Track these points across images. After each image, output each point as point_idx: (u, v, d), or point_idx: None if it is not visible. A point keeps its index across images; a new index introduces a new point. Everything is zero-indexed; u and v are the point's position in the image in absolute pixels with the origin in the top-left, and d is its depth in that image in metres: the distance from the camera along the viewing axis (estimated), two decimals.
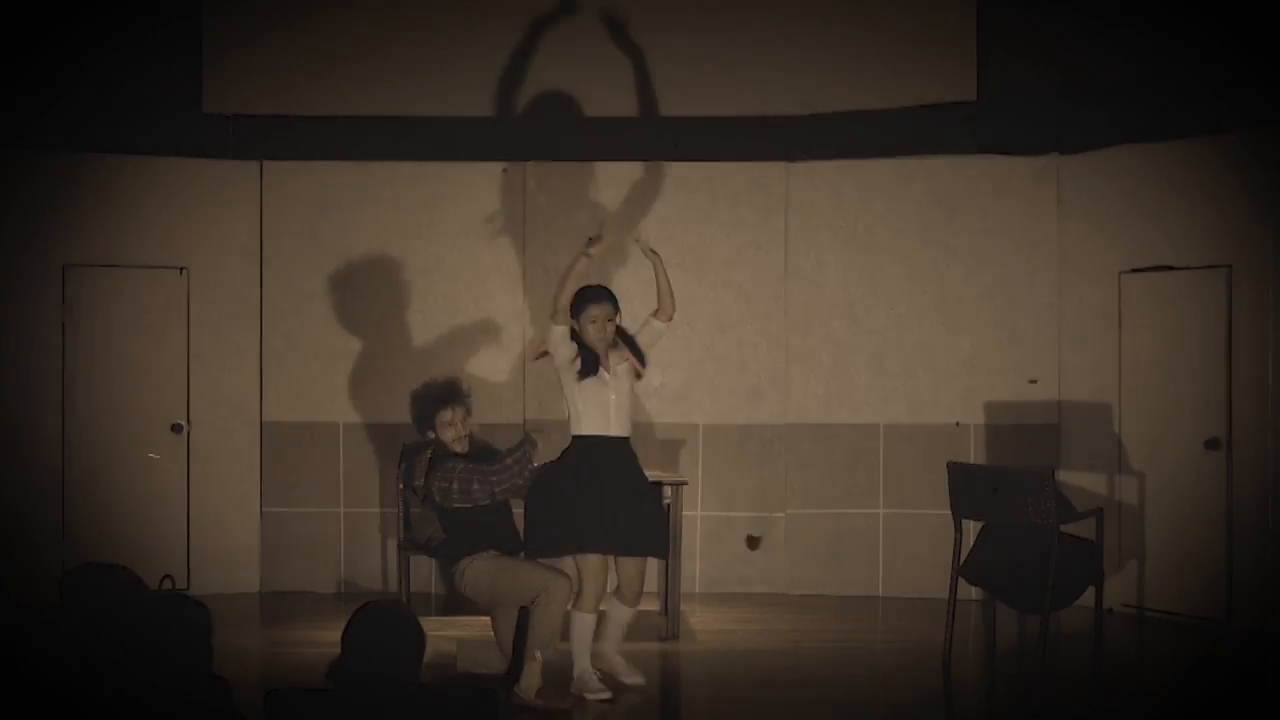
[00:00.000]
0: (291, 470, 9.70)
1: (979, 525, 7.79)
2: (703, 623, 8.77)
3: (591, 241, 7.08)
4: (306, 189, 9.74)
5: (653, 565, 8.80)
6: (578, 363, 7.02)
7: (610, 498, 6.98)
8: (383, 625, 3.79)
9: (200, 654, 3.84)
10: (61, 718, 3.73)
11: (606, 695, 7.03)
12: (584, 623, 7.07)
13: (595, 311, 7.03)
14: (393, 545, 9.41)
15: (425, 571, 9.56)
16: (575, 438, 7.14)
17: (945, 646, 7.74)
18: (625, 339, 7.17)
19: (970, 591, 8.22)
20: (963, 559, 7.74)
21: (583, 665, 7.09)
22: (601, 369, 7.05)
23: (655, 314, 7.25)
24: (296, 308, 9.71)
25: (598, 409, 7.05)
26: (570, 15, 9.94)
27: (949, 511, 7.80)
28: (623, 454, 7.12)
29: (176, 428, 9.53)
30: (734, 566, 9.73)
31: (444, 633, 8.28)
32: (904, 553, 9.55)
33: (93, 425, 9.37)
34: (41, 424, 9.25)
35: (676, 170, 9.79)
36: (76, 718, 3.74)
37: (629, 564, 7.15)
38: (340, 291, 9.73)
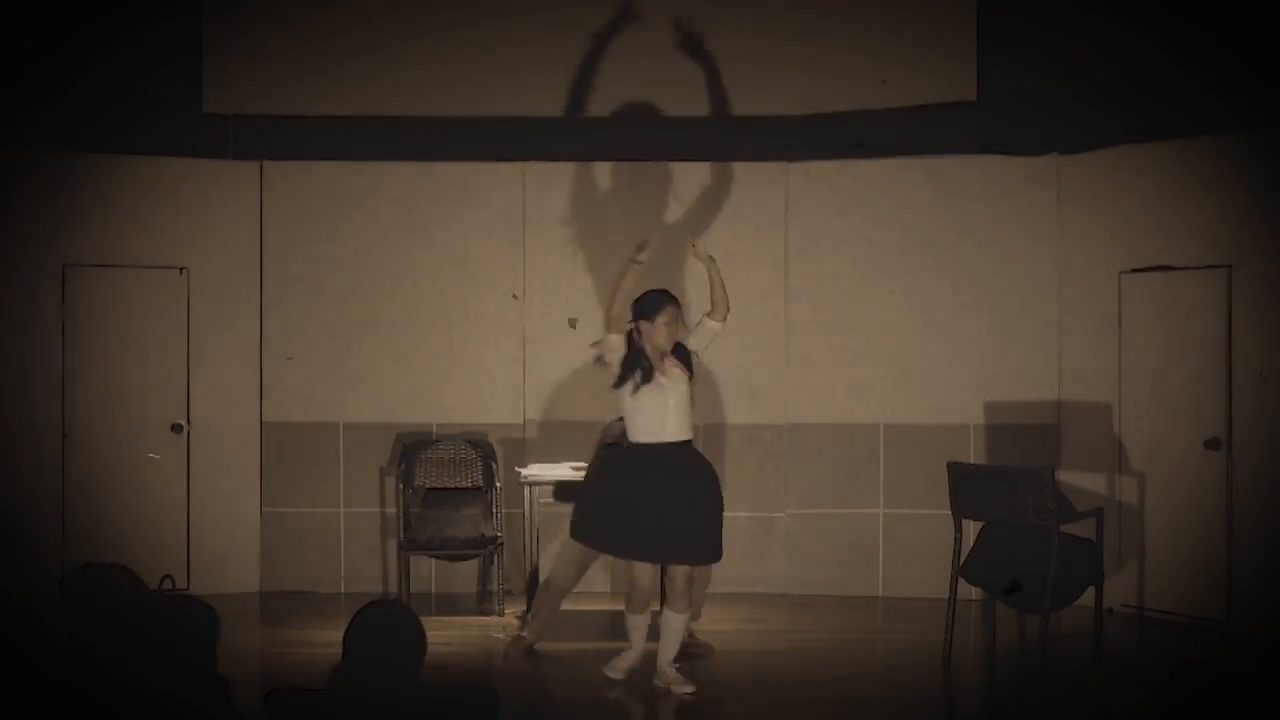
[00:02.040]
0: (291, 470, 9.69)
1: (979, 525, 7.79)
2: (703, 623, 8.76)
3: (640, 249, 7.15)
4: (306, 189, 9.74)
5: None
6: (626, 373, 7.09)
7: (661, 506, 7.00)
8: (383, 626, 3.79)
9: (206, 654, 3.85)
10: (61, 718, 3.73)
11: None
12: (636, 624, 7.26)
13: (671, 312, 7.12)
14: (393, 545, 9.41)
15: (425, 571, 9.57)
16: (631, 444, 7.17)
17: (945, 646, 7.74)
18: (680, 353, 7.21)
19: (970, 591, 8.22)
20: (963, 559, 7.74)
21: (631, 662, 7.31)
22: (657, 374, 7.08)
23: (710, 314, 7.32)
24: (296, 308, 9.71)
25: (655, 415, 7.08)
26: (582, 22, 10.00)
27: (949, 511, 7.81)
28: (681, 458, 7.12)
29: (176, 428, 9.53)
30: (734, 566, 9.71)
31: (444, 633, 8.29)
32: (904, 553, 9.54)
33: (93, 425, 9.38)
34: (41, 424, 9.25)
35: (677, 170, 9.79)
36: (76, 718, 3.74)
37: (676, 570, 7.16)
38: (340, 291, 9.72)
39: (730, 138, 9.99)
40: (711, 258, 7.35)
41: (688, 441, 7.15)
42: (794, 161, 9.78)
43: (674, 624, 7.18)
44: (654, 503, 7.00)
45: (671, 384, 7.10)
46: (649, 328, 7.09)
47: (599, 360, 7.43)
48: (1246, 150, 8.57)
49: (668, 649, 7.19)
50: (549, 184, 9.77)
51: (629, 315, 7.11)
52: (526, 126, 10.02)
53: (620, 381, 7.10)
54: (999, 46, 9.94)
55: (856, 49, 9.98)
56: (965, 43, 9.90)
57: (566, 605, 8.13)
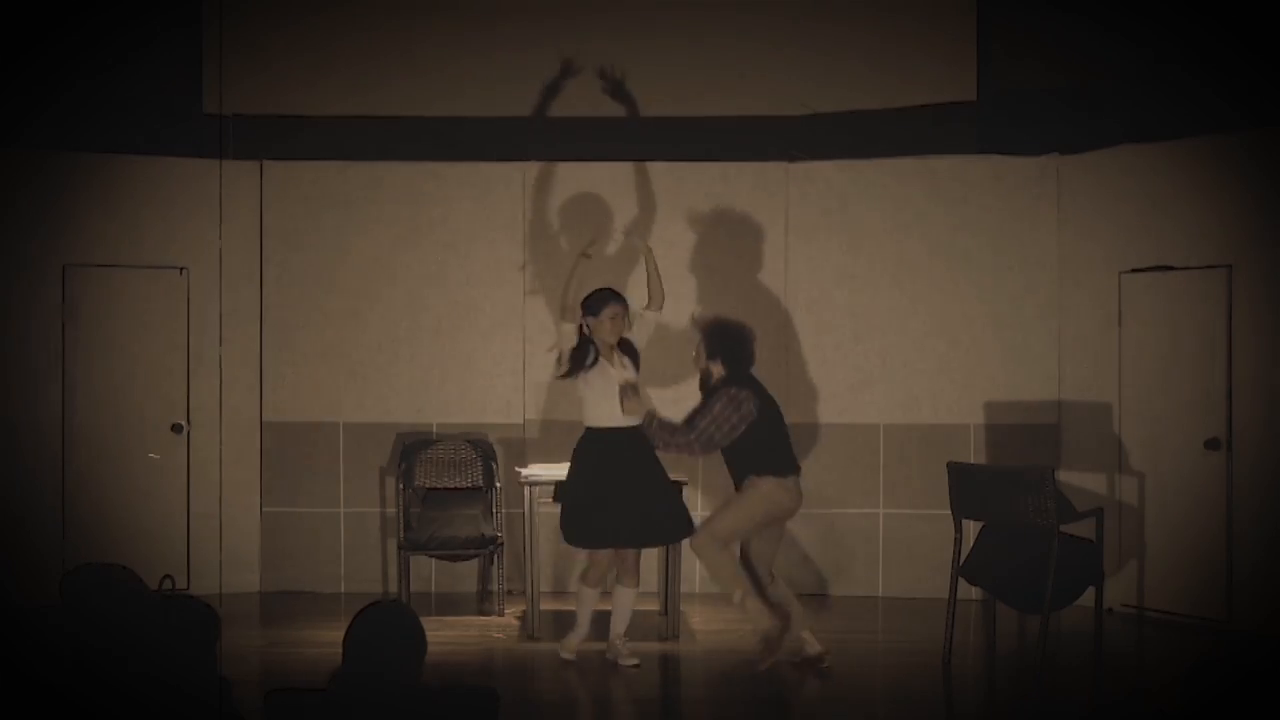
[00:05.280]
0: (291, 470, 9.69)
1: (979, 525, 7.79)
2: (703, 623, 8.77)
3: (590, 244, 7.83)
4: (306, 189, 9.74)
5: (650, 554, 8.80)
6: (575, 364, 7.56)
7: (632, 490, 7.46)
8: (384, 626, 3.79)
9: (206, 654, 3.85)
10: (61, 718, 3.73)
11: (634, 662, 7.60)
12: (589, 597, 7.71)
13: (615, 308, 7.58)
14: (393, 545, 9.41)
15: (425, 571, 9.56)
16: (587, 429, 7.63)
17: (945, 646, 7.74)
18: (628, 350, 7.67)
19: (970, 591, 8.22)
20: (963, 559, 7.74)
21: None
22: (603, 360, 7.53)
23: (648, 306, 7.80)
24: (296, 308, 9.71)
25: (607, 400, 7.49)
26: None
27: (949, 511, 7.81)
28: (634, 442, 7.53)
29: (176, 428, 9.53)
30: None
31: (444, 633, 8.29)
32: (904, 553, 9.54)
33: (93, 425, 9.37)
34: (41, 424, 9.25)
35: (677, 170, 9.79)
36: (76, 718, 3.74)
37: (628, 549, 7.69)
38: (340, 291, 9.72)
39: (730, 138, 9.99)
40: (649, 249, 7.94)
41: (638, 427, 7.50)
42: (794, 161, 9.78)
43: (626, 598, 7.67)
44: (625, 487, 7.44)
45: (619, 374, 7.53)
46: (595, 323, 7.55)
47: (559, 360, 7.73)
48: (1246, 150, 8.57)
49: (620, 622, 7.67)
50: (550, 184, 9.76)
51: (579, 310, 7.58)
52: (526, 126, 10.02)
53: (571, 371, 7.55)
54: (999, 46, 9.95)
55: (857, 49, 9.98)
56: (965, 43, 9.90)
57: (564, 605, 8.13)
